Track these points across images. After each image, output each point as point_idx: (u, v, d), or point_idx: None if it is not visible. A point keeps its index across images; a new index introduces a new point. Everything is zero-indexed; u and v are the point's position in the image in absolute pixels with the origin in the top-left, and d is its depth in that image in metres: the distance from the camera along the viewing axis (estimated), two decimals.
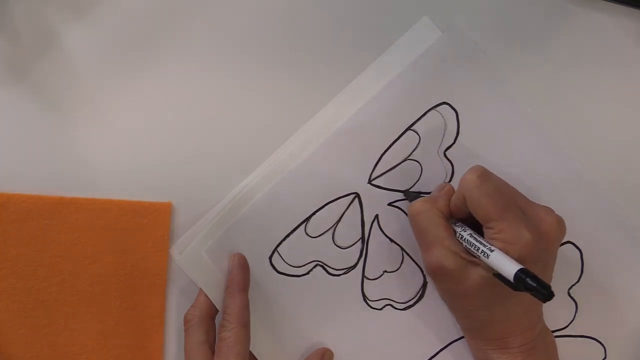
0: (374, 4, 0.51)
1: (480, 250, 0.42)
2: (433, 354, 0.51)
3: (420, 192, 0.50)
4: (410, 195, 0.50)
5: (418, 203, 0.47)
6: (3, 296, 0.50)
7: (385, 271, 0.51)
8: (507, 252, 0.41)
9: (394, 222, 0.51)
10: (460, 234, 0.45)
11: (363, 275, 0.51)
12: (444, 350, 0.51)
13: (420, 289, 0.51)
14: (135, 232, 0.51)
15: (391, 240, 0.51)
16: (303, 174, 0.50)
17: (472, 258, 0.43)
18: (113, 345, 0.51)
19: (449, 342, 0.51)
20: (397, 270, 0.51)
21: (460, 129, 0.50)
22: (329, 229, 0.51)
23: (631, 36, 0.51)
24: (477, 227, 0.45)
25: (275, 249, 0.50)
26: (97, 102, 0.52)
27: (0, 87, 0.52)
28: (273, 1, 0.51)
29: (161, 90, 0.52)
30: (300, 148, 0.51)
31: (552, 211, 0.45)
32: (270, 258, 0.50)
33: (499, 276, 0.41)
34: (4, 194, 0.50)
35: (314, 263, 0.51)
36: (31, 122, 0.51)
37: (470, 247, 0.44)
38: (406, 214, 0.50)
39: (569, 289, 0.51)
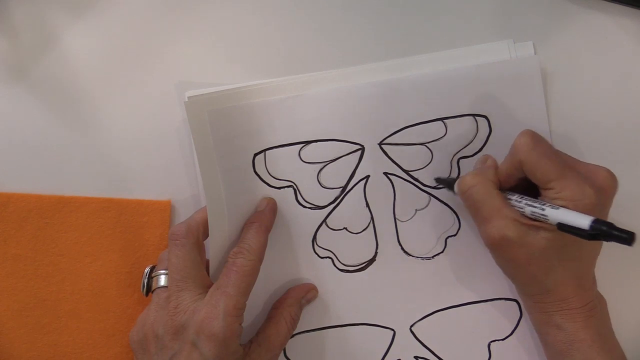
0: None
1: (544, 211, 0.42)
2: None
3: (454, 179, 0.49)
4: (446, 182, 0.50)
5: (468, 177, 0.46)
6: (4, 295, 0.50)
7: (346, 228, 0.51)
8: (572, 210, 0.42)
9: (379, 190, 0.51)
10: (516, 201, 0.44)
11: (324, 220, 0.51)
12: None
13: (366, 263, 0.51)
14: (135, 231, 0.51)
15: (367, 205, 0.51)
16: (328, 99, 0.50)
17: (532, 222, 0.43)
18: (114, 343, 0.51)
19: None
20: (356, 233, 0.51)
21: (485, 146, 0.50)
22: (319, 163, 0.50)
23: (631, 36, 0.51)
24: (528, 194, 0.44)
25: (264, 151, 0.50)
26: (96, 102, 0.52)
27: (0, 87, 0.52)
28: None
29: (161, 90, 0.52)
30: (340, 77, 0.51)
31: (602, 166, 0.45)
32: (255, 155, 0.50)
33: (567, 228, 0.41)
34: (4, 194, 0.51)
35: (289, 183, 0.50)
36: (31, 122, 0.52)
37: (533, 210, 0.43)
38: (395, 190, 0.50)
39: None
